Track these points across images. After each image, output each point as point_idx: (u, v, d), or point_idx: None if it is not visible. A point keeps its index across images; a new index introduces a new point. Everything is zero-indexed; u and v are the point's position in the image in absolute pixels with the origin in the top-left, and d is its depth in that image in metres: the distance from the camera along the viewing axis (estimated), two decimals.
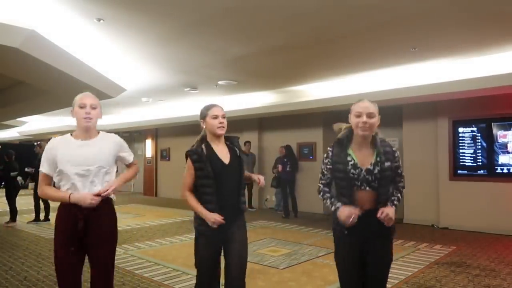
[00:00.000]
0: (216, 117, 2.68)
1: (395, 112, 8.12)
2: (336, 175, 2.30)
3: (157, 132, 14.01)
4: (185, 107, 10.26)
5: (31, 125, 14.08)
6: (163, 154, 13.76)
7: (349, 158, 2.25)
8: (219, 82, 7.38)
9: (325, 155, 2.37)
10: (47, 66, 4.67)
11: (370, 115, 2.19)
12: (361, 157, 2.25)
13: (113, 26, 4.36)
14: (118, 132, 15.08)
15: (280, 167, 9.19)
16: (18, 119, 11.76)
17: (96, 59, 5.65)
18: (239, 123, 10.70)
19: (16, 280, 4.23)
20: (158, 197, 13.55)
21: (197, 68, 6.36)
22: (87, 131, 2.47)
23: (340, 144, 2.32)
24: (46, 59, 4.53)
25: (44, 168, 2.40)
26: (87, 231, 2.36)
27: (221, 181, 2.57)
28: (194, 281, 4.17)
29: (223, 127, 2.72)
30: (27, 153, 18.46)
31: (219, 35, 4.70)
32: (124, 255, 5.30)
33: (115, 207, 2.66)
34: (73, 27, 4.36)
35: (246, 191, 9.81)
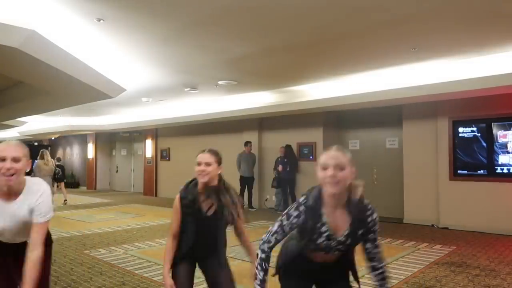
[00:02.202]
0: (199, 164, 2.48)
1: (395, 112, 8.13)
2: (301, 236, 1.93)
3: (157, 132, 14.00)
4: (185, 107, 10.26)
5: (31, 125, 14.07)
6: (163, 154, 13.76)
7: (324, 229, 1.84)
8: (219, 82, 7.37)
9: (287, 216, 1.91)
10: (47, 66, 4.67)
11: (339, 167, 1.81)
12: (334, 224, 1.85)
13: (113, 26, 4.36)
14: (118, 132, 15.13)
15: (280, 167, 9.19)
16: (18, 119, 11.75)
17: (96, 59, 5.64)
18: (239, 123, 10.70)
19: None
20: (158, 197, 13.55)
21: (197, 68, 6.36)
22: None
23: (312, 210, 1.86)
24: (46, 59, 4.53)
25: None
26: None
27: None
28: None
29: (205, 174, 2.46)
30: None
31: (219, 35, 4.70)
32: (124, 255, 5.30)
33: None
34: (73, 27, 4.36)
35: (246, 191, 9.90)
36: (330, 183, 1.78)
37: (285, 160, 9.21)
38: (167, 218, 8.55)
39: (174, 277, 2.39)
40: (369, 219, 1.87)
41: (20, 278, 2.02)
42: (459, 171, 7.22)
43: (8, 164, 1.96)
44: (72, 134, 16.78)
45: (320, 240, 1.86)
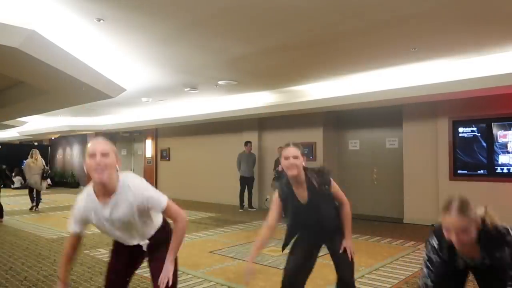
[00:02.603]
0: (287, 157, 2.63)
1: (395, 112, 8.13)
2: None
3: (157, 132, 14.00)
4: (185, 107, 10.27)
5: (31, 125, 14.08)
6: (163, 154, 13.76)
7: (456, 265, 2.13)
8: (219, 82, 7.38)
9: (430, 260, 2.18)
10: (47, 66, 4.67)
11: (464, 231, 1.96)
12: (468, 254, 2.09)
13: (113, 26, 4.36)
14: (118, 132, 15.12)
15: (280, 167, 9.18)
16: (18, 119, 11.75)
17: (96, 59, 5.64)
18: (239, 123, 10.70)
19: (16, 280, 4.23)
20: None
21: (197, 68, 6.36)
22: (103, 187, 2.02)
23: (445, 249, 2.13)
24: (46, 59, 4.53)
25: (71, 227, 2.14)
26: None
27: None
28: (194, 281, 4.18)
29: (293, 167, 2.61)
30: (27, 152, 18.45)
31: (219, 35, 4.70)
32: None
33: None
34: (73, 27, 4.36)
35: (246, 191, 9.90)
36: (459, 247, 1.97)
37: None
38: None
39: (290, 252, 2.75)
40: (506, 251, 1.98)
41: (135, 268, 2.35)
42: (459, 171, 7.22)
43: (98, 158, 1.94)
44: (72, 134, 16.77)
45: (459, 267, 2.13)
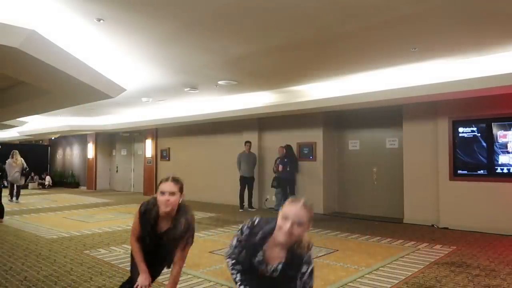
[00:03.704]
0: (163, 193, 2.54)
1: (395, 112, 8.13)
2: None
3: (157, 132, 14.00)
4: (185, 107, 10.26)
5: (31, 125, 14.08)
6: (163, 154, 13.76)
7: (259, 254, 2.08)
8: (219, 82, 7.38)
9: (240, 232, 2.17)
10: (47, 66, 4.67)
11: (299, 224, 1.95)
12: (270, 256, 2.08)
13: (113, 26, 4.36)
14: (118, 132, 15.12)
15: (280, 167, 9.19)
16: (18, 119, 11.76)
17: (96, 59, 5.64)
18: (239, 123, 10.70)
19: (16, 280, 4.23)
20: None
21: (197, 68, 6.36)
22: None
23: (253, 244, 2.11)
24: (46, 59, 4.53)
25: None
26: None
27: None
28: (194, 281, 4.18)
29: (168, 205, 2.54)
30: (26, 152, 18.46)
31: (219, 35, 4.70)
32: (124, 255, 5.29)
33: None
34: (73, 27, 4.36)
35: (246, 191, 9.90)
36: (284, 234, 1.94)
37: (285, 160, 9.21)
38: None
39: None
40: (303, 270, 2.02)
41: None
42: (459, 171, 7.22)
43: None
44: (72, 134, 16.77)
45: (254, 260, 2.08)
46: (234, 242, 2.20)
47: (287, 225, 1.93)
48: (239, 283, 2.16)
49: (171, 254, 2.64)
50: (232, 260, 2.19)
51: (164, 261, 2.74)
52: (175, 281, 2.62)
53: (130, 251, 2.82)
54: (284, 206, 2.00)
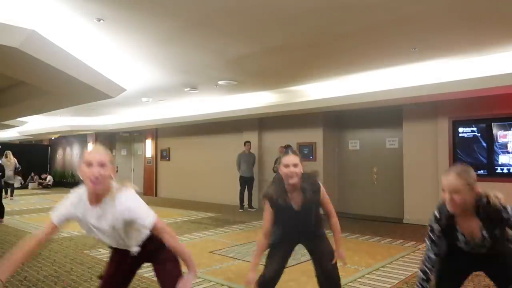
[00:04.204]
0: (287, 165, 2.65)
1: (395, 112, 8.12)
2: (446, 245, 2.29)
3: (157, 132, 14.00)
4: (185, 107, 10.26)
5: (31, 125, 14.07)
6: (163, 154, 13.76)
7: (458, 236, 2.21)
8: (219, 82, 7.38)
9: (432, 231, 2.33)
10: (47, 66, 4.67)
11: (455, 191, 2.07)
12: (468, 230, 2.16)
13: (113, 26, 4.36)
14: (118, 132, 15.12)
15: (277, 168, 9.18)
16: (18, 119, 11.77)
17: (96, 59, 5.64)
18: (239, 123, 10.70)
19: (16, 280, 4.23)
20: (158, 197, 13.55)
21: (197, 68, 6.36)
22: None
23: (444, 220, 2.25)
24: (46, 59, 4.53)
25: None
26: None
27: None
28: (194, 281, 4.17)
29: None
30: (26, 152, 18.43)
31: (219, 35, 4.70)
32: None
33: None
34: (73, 27, 4.36)
35: (246, 191, 9.89)
36: (449, 205, 2.09)
37: None
38: (167, 218, 8.55)
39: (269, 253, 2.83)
40: (505, 216, 2.06)
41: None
42: None
43: (95, 169, 1.93)
44: (72, 134, 16.77)
45: (459, 244, 2.18)
46: (428, 244, 2.27)
47: (447, 196, 2.05)
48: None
49: (315, 218, 2.79)
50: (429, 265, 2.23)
51: (311, 227, 2.82)
52: (338, 230, 2.83)
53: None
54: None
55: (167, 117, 11.10)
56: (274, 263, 2.80)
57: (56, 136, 17.92)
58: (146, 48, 5.22)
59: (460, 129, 7.23)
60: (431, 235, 2.25)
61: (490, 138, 6.89)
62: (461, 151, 7.22)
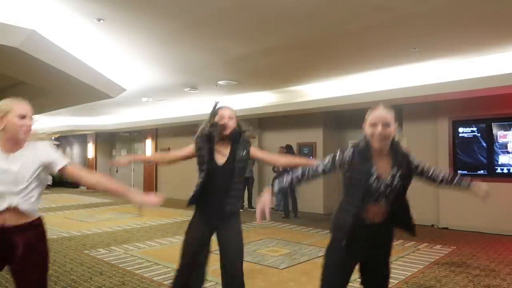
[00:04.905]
0: (222, 117, 2.71)
1: (395, 112, 8.11)
2: (353, 182, 2.11)
3: (157, 132, 14.00)
4: (185, 107, 10.26)
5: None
6: None
7: (372, 170, 2.05)
8: (219, 82, 7.38)
9: (342, 154, 2.11)
10: (47, 66, 4.67)
11: (386, 125, 2.04)
12: (381, 167, 2.08)
13: (113, 26, 4.36)
14: (118, 132, 15.12)
15: (281, 167, 9.18)
16: None
17: (96, 59, 5.65)
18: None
19: None
20: None
21: (197, 68, 6.36)
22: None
23: (361, 154, 2.08)
24: (46, 59, 4.53)
25: None
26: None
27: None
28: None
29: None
30: None
31: (219, 35, 4.70)
32: (124, 255, 5.30)
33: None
34: (73, 27, 4.36)
35: (246, 191, 9.89)
36: (378, 138, 2.04)
37: None
38: (167, 218, 8.55)
39: None
40: (410, 159, 2.15)
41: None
42: (459, 171, 7.21)
43: (27, 121, 2.22)
44: (72, 134, 16.77)
45: (370, 182, 2.04)
46: (326, 159, 2.13)
47: (379, 128, 2.02)
48: (288, 181, 2.12)
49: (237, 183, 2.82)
50: (308, 170, 2.13)
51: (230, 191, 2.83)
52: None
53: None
54: (368, 115, 2.09)
55: (167, 117, 11.09)
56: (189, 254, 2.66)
57: (56, 136, 17.92)
58: (146, 48, 5.22)
59: (460, 129, 7.23)
60: (336, 157, 2.10)
61: (490, 138, 6.88)
62: (461, 151, 7.22)
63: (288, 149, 9.33)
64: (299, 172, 2.13)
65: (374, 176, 2.04)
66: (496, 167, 6.81)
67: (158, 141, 14.04)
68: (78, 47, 5.05)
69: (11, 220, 2.05)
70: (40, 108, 8.94)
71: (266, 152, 2.75)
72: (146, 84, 7.62)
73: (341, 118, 9.48)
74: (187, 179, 12.56)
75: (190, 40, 4.87)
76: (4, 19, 3.73)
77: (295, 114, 8.94)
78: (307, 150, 9.54)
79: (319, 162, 2.15)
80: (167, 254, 5.40)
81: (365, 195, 2.06)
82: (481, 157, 6.97)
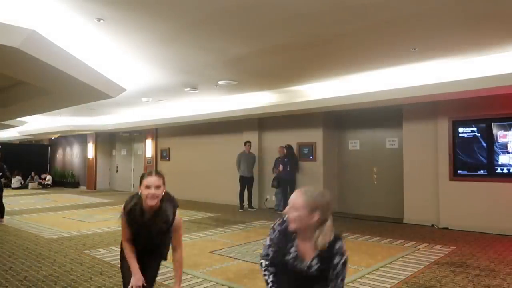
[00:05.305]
0: (148, 187, 2.56)
1: (395, 112, 8.12)
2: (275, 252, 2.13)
3: (157, 132, 14.01)
4: (185, 107, 10.26)
5: (31, 125, 14.08)
6: (163, 154, 13.76)
7: (292, 250, 2.05)
8: (219, 82, 7.38)
9: (272, 230, 2.16)
10: (47, 66, 4.67)
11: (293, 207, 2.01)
12: (303, 250, 2.04)
13: (113, 26, 4.36)
14: (118, 132, 15.12)
15: (281, 167, 9.19)
16: (18, 119, 11.76)
17: (96, 59, 5.64)
18: (239, 123, 10.70)
19: (16, 280, 4.23)
20: None
21: (197, 68, 6.36)
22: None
23: (284, 234, 2.08)
24: (46, 59, 4.53)
25: None
26: None
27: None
28: (194, 281, 4.18)
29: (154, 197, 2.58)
30: (27, 152, 18.43)
31: (219, 35, 4.70)
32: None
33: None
34: (73, 27, 4.36)
35: (246, 191, 9.90)
36: (290, 221, 2.02)
37: (286, 160, 9.21)
38: None
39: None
40: (335, 261, 1.99)
41: None
42: (459, 171, 7.22)
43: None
44: (72, 134, 16.77)
45: (288, 258, 2.05)
46: (267, 242, 2.18)
47: (287, 211, 2.04)
48: (270, 285, 2.12)
49: (164, 245, 2.73)
50: (266, 261, 2.16)
51: (159, 255, 2.79)
52: (181, 265, 2.74)
53: (120, 254, 2.80)
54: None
55: (167, 117, 11.10)
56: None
57: (56, 136, 17.92)
58: (146, 48, 5.22)
59: (460, 129, 7.23)
60: (271, 237, 2.15)
61: (490, 138, 6.88)
62: (461, 151, 7.22)
63: (288, 149, 9.34)
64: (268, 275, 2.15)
65: (293, 256, 2.04)
66: (496, 167, 6.81)
67: (158, 141, 14.04)
68: (78, 47, 5.04)
69: None
70: (40, 108, 8.94)
71: (180, 231, 2.82)
72: (146, 84, 7.62)
73: (341, 118, 9.48)
74: (187, 179, 12.59)
75: (190, 40, 4.87)
76: (4, 19, 3.73)
77: (295, 114, 8.95)
78: (307, 150, 9.54)
79: (266, 251, 2.18)
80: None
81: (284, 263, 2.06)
82: (481, 157, 6.97)
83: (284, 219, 2.10)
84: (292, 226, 2.02)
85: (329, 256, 2.00)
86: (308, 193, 2.02)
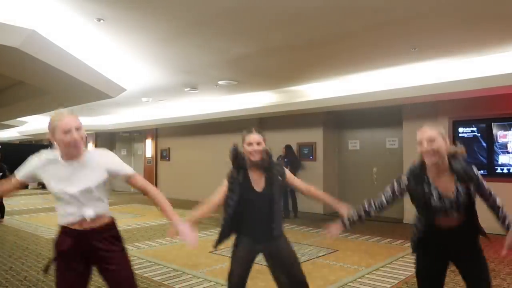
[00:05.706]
0: (250, 144, 2.68)
1: (395, 112, 8.12)
2: (417, 204, 2.27)
3: (157, 132, 14.01)
4: (185, 107, 10.27)
5: (31, 125, 14.08)
6: (163, 154, 13.76)
7: (431, 191, 2.16)
8: (219, 82, 7.38)
9: (398, 184, 2.30)
10: (47, 66, 4.67)
11: (431, 141, 2.11)
12: (442, 187, 2.16)
13: (113, 26, 4.36)
14: (118, 132, 15.12)
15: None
16: (18, 119, 11.76)
17: (96, 59, 5.64)
18: (239, 123, 10.69)
19: (16, 280, 4.23)
20: None
21: (197, 68, 6.36)
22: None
23: (416, 176, 2.22)
24: (46, 59, 4.53)
25: None
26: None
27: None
28: (194, 281, 4.18)
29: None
30: (27, 152, 18.42)
31: (219, 35, 4.70)
32: None
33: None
34: (73, 27, 4.36)
35: None
36: (427, 154, 2.12)
37: (286, 160, 9.20)
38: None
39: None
40: (473, 174, 2.14)
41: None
42: None
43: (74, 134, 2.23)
44: None
45: (432, 202, 2.15)
46: (386, 191, 2.34)
47: (425, 145, 2.11)
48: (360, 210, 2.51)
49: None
50: (372, 200, 2.41)
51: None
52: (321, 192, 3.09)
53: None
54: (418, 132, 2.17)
55: (167, 117, 11.10)
56: (238, 269, 2.77)
57: None
58: (146, 48, 5.22)
59: (460, 129, 7.23)
60: (395, 184, 2.30)
61: (490, 138, 6.88)
62: None
63: (287, 149, 9.34)
64: (366, 205, 2.50)
65: (435, 196, 2.14)
66: (496, 167, 6.81)
67: (158, 141, 14.04)
68: (78, 47, 5.04)
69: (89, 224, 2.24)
70: (40, 108, 8.94)
71: (300, 180, 2.89)
72: (146, 84, 7.62)
73: (341, 118, 9.48)
74: (187, 179, 12.59)
75: (190, 39, 4.87)
76: (4, 19, 3.73)
77: (295, 114, 8.95)
78: (307, 150, 9.54)
79: (382, 193, 2.37)
80: (167, 254, 5.40)
81: (432, 212, 2.17)
82: (481, 157, 6.97)
83: (409, 171, 2.24)
84: (433, 159, 2.10)
85: (466, 176, 2.13)
86: (429, 125, 2.16)
